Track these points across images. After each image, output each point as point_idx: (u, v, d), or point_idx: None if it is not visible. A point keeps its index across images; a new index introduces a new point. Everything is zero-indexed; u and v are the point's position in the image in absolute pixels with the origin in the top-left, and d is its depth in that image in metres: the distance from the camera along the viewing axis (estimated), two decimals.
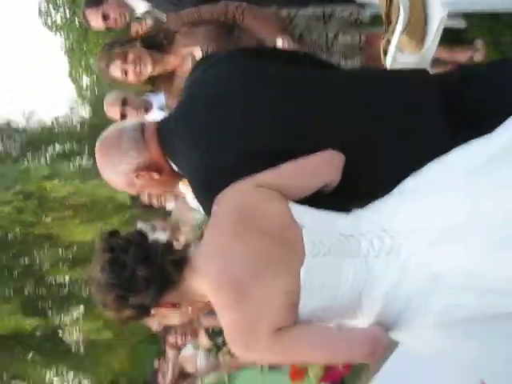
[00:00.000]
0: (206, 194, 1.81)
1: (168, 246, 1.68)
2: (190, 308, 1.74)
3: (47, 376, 12.60)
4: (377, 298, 1.62)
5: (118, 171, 1.90)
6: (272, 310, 1.58)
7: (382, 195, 1.74)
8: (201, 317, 5.44)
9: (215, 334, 5.53)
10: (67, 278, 11.50)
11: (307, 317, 1.62)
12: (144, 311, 1.63)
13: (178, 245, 1.66)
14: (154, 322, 6.25)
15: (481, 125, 1.75)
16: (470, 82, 1.91)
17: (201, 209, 2.05)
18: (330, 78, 1.98)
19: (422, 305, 1.60)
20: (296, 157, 1.75)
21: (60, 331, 11.89)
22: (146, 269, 1.59)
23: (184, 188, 3.87)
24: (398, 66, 2.58)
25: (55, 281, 11.69)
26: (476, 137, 1.70)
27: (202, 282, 1.64)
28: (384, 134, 1.82)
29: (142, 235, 1.68)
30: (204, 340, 5.64)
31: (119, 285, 1.59)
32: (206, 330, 5.55)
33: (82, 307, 12.04)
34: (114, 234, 1.66)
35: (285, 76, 1.93)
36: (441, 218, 1.61)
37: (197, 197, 1.91)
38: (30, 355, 11.54)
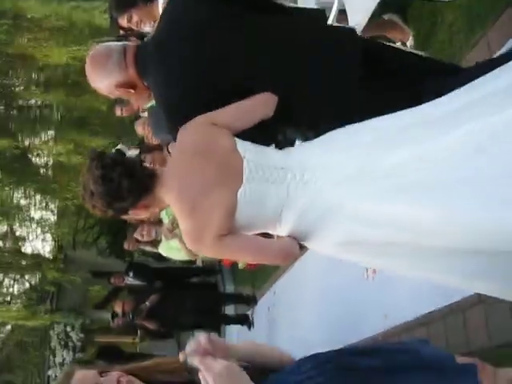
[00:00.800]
0: (170, 120, 2.55)
1: (141, 162, 2.50)
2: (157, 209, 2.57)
3: (15, 196, 12.78)
4: (293, 216, 2.26)
5: (102, 83, 2.63)
6: (215, 219, 2.24)
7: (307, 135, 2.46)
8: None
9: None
10: (39, 100, 11.49)
11: (240, 226, 2.29)
12: (124, 212, 2.41)
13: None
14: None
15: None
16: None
17: None
18: (278, 27, 2.54)
19: (326, 225, 2.24)
20: (242, 93, 2.39)
21: (30, 154, 11.96)
22: (128, 182, 2.30)
23: None
24: None
25: (27, 103, 11.66)
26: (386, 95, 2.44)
27: (166, 193, 2.34)
28: (313, 83, 2.47)
29: (122, 154, 2.42)
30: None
31: (108, 194, 2.30)
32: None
33: (52, 131, 12.14)
34: (102, 154, 2.37)
35: (243, 21, 2.54)
36: (345, 164, 2.22)
37: (166, 120, 2.60)
38: None
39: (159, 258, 10.75)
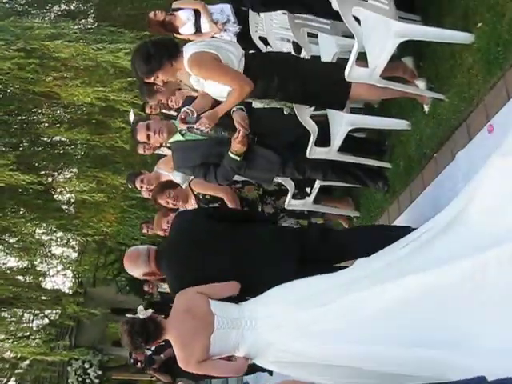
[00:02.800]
0: (175, 290, 3.97)
1: (152, 318, 3.89)
2: None
3: (36, 231, 12.86)
4: (245, 348, 3.65)
5: (134, 272, 4.24)
6: (197, 352, 3.62)
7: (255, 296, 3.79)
8: (192, 183, 5.83)
9: (205, 200, 5.97)
10: (64, 138, 11.61)
11: (213, 354, 3.67)
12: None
13: None
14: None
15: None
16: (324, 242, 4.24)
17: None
18: (238, 236, 4.17)
19: (263, 353, 3.68)
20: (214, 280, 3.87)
21: (52, 190, 12.07)
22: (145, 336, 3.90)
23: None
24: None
25: (51, 140, 11.80)
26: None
27: (169, 336, 3.79)
28: (260, 269, 3.98)
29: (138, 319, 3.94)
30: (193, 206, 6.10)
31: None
32: (196, 197, 5.99)
33: (76, 168, 12.23)
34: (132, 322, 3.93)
35: (228, 244, 4.14)
36: (277, 315, 3.59)
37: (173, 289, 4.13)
38: (22, 211, 11.87)
39: None
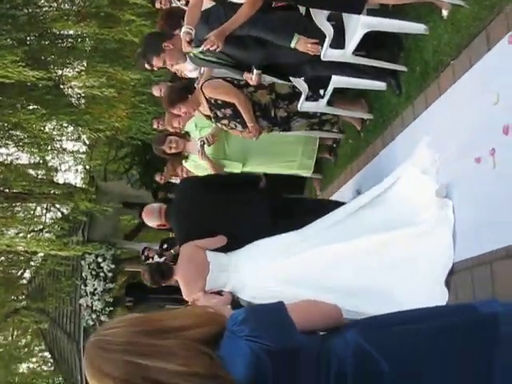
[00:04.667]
0: (182, 240, 5.39)
1: (165, 263, 5.78)
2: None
3: (47, 127, 12.92)
4: (230, 286, 5.04)
5: (150, 223, 5.85)
6: (197, 288, 5.03)
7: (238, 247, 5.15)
8: (203, 87, 5.86)
9: (217, 105, 6.02)
10: (72, 31, 11.50)
11: (208, 289, 5.04)
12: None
13: None
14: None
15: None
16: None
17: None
18: (226, 203, 5.44)
19: (243, 289, 5.06)
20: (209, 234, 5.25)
21: (62, 85, 12.04)
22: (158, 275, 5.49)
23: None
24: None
25: (59, 34, 11.68)
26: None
27: (177, 277, 5.28)
28: (241, 226, 5.26)
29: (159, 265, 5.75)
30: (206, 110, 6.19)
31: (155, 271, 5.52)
32: (208, 100, 6.03)
33: (85, 62, 12.16)
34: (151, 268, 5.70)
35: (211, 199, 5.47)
36: (255, 263, 4.99)
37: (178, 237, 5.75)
38: (32, 106, 11.89)
39: None
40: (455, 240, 4.12)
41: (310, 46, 4.85)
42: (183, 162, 7.24)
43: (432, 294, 4.10)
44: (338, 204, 5.38)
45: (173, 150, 6.70)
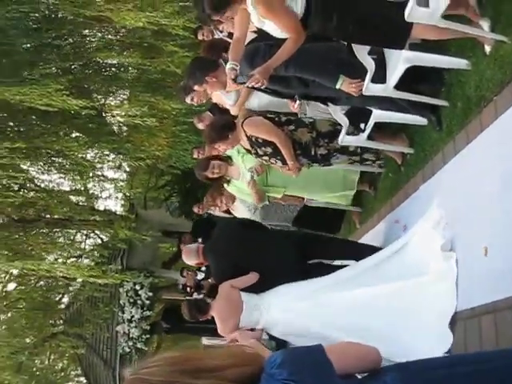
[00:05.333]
0: (218, 278, 6.02)
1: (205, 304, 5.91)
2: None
3: (89, 155, 13.08)
4: (262, 323, 5.48)
5: (189, 262, 6.64)
6: (230, 326, 5.51)
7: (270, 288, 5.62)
8: (244, 124, 5.93)
9: (257, 143, 6.13)
10: (115, 61, 11.67)
11: (241, 326, 5.51)
12: None
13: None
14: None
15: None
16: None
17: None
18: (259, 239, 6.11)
19: (276, 327, 5.61)
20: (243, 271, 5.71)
21: (105, 114, 12.21)
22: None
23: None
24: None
25: (103, 63, 11.87)
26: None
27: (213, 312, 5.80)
28: (269, 265, 5.79)
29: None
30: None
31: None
32: (249, 138, 6.15)
33: (127, 92, 12.32)
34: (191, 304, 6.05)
35: (246, 239, 6.04)
36: (284, 304, 5.50)
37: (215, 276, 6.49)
38: (75, 134, 12.07)
39: None
40: (458, 290, 4.60)
41: (354, 86, 4.88)
42: (225, 185, 7.23)
43: (436, 340, 4.61)
44: (364, 247, 6.22)
45: (215, 175, 6.70)
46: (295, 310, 5.44)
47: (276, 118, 6.00)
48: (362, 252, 5.80)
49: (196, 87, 5.83)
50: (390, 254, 5.37)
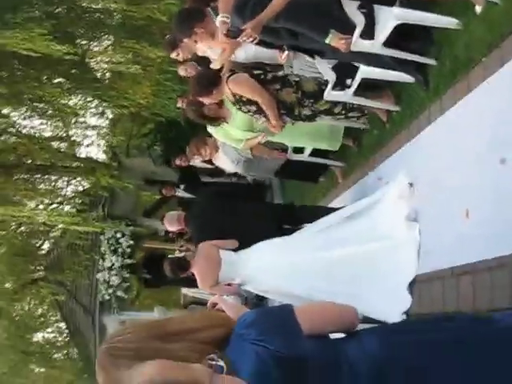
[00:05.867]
0: (198, 238, 6.46)
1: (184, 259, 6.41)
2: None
3: (72, 101, 12.96)
4: (239, 278, 5.92)
5: (171, 228, 7.51)
6: (209, 282, 6.02)
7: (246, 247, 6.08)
8: (229, 81, 5.90)
9: (241, 101, 6.08)
10: (100, 6, 11.50)
11: (220, 281, 6.00)
12: None
13: None
14: None
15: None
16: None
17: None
18: (236, 211, 6.61)
19: (252, 282, 6.00)
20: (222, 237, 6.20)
21: (88, 60, 12.06)
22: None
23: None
24: None
25: (87, 8, 11.69)
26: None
27: (194, 270, 6.20)
28: (249, 232, 6.24)
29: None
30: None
31: None
32: (233, 95, 6.11)
33: (112, 37, 12.16)
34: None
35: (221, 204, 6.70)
36: (259, 261, 5.95)
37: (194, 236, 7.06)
38: (58, 80, 11.94)
39: (211, 174, 10.94)
40: (419, 256, 4.95)
41: (343, 42, 4.82)
42: (211, 129, 7.10)
43: (397, 299, 4.98)
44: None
45: (211, 113, 6.52)
46: (268, 268, 5.83)
47: (262, 76, 5.94)
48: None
49: (185, 40, 5.74)
50: (356, 211, 5.68)
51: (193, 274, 6.11)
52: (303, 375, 1.88)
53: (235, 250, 6.06)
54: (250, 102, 5.97)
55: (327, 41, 4.82)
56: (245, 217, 6.52)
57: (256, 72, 5.99)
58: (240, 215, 6.52)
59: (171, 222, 7.11)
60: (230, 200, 6.87)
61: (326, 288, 5.34)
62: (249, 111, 6.07)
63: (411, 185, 5.24)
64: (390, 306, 4.93)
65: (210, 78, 6.12)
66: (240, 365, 1.85)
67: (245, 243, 6.09)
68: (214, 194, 7.26)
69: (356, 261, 5.37)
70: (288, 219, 6.68)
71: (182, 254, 6.65)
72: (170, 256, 6.80)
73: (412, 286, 4.95)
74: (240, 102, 5.99)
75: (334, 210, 6.33)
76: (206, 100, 6.10)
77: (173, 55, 6.81)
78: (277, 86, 5.91)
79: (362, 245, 5.38)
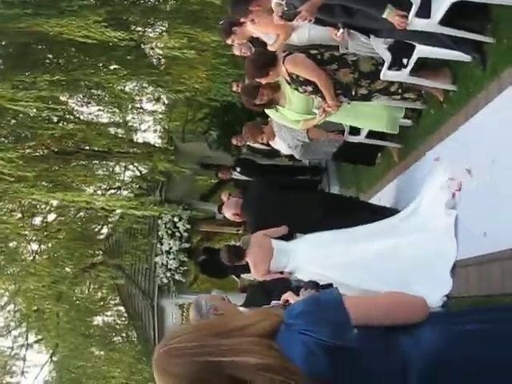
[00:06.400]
0: (252, 227, 7.15)
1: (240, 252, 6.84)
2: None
3: (128, 88, 13.12)
4: (289, 268, 6.38)
5: (227, 213, 7.68)
6: (262, 270, 6.46)
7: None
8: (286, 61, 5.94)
9: (298, 81, 5.99)
10: None
11: (271, 270, 6.45)
12: None
13: None
14: None
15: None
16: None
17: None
18: (289, 201, 6.99)
19: (302, 271, 6.38)
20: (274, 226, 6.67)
21: (143, 46, 12.18)
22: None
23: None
24: None
25: None
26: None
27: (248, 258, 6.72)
28: (298, 220, 6.79)
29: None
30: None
31: None
32: (289, 74, 6.07)
33: (167, 23, 12.25)
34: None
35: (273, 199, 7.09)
36: (310, 252, 6.31)
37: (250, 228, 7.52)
38: (114, 66, 12.09)
39: (267, 154, 10.99)
40: (459, 242, 5.33)
41: (398, 18, 4.80)
42: (268, 111, 7.17)
43: (438, 284, 5.28)
44: (376, 207, 7.24)
45: (263, 101, 6.63)
46: (318, 258, 6.18)
47: (319, 56, 5.95)
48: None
49: (242, 19, 5.80)
50: (406, 215, 6.16)
51: (247, 263, 6.55)
52: (354, 364, 1.92)
53: (287, 239, 6.58)
54: (306, 81, 5.98)
55: (384, 15, 4.80)
56: (294, 205, 6.87)
57: (312, 52, 6.00)
58: (290, 204, 6.90)
59: (229, 206, 7.55)
60: (283, 190, 7.24)
61: (375, 277, 5.68)
62: (305, 91, 6.09)
63: (469, 171, 5.30)
64: (432, 290, 5.11)
65: (266, 58, 6.12)
66: (289, 352, 1.89)
67: (296, 229, 6.81)
68: (268, 184, 7.55)
69: (401, 251, 5.74)
70: (334, 210, 6.86)
71: (239, 243, 6.95)
72: (227, 244, 7.18)
73: (453, 270, 5.29)
74: (296, 81, 6.02)
75: (383, 208, 7.07)
76: (262, 80, 6.12)
77: (228, 41, 6.85)
78: (334, 66, 5.92)
79: (407, 236, 5.83)
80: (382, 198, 8.28)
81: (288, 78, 6.05)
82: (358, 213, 6.77)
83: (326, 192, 9.60)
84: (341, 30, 5.74)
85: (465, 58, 5.38)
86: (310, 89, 6.04)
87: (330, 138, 7.69)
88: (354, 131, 7.53)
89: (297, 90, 6.14)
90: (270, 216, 6.82)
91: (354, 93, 6.05)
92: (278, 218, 6.69)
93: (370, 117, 6.80)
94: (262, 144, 9.35)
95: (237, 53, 8.18)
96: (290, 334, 1.94)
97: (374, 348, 1.96)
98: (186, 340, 1.88)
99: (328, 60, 5.93)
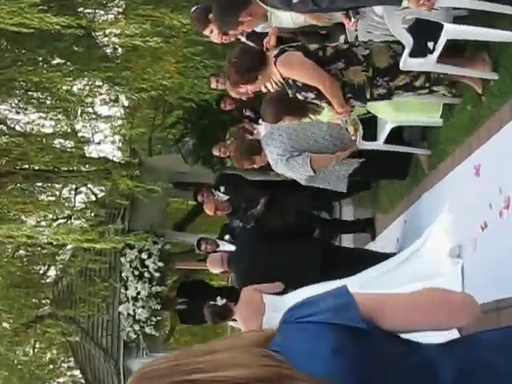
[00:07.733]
0: (239, 283, 8.13)
1: None
2: None
3: (76, 88, 13.15)
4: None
5: (213, 270, 9.13)
6: (253, 328, 6.62)
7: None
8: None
9: (296, 87, 6.04)
10: None
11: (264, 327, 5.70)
12: None
13: None
14: None
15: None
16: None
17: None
18: (279, 253, 7.98)
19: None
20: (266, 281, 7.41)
21: (95, 34, 12.19)
22: None
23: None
24: None
25: None
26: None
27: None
28: (293, 273, 7.64)
29: None
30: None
31: None
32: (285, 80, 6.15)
33: (123, 4, 12.31)
34: None
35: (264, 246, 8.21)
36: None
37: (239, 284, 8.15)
38: (57, 61, 12.13)
39: (259, 168, 11.00)
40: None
41: (423, 2, 4.80)
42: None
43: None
44: (382, 255, 7.86)
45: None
46: None
47: (320, 53, 5.92)
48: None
49: (231, 32, 5.90)
50: (407, 256, 7.07)
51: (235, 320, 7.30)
52: (365, 344, 2.00)
53: (281, 293, 7.26)
54: (306, 87, 5.92)
55: (404, 4, 4.83)
56: (289, 258, 7.86)
57: (312, 48, 5.97)
58: (284, 257, 7.88)
59: (214, 264, 8.62)
60: (273, 240, 8.25)
61: None
62: (306, 98, 6.07)
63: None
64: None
65: (252, 63, 5.96)
66: (288, 352, 1.96)
67: (291, 285, 7.34)
68: (257, 235, 8.81)
69: None
70: (333, 261, 7.79)
71: (224, 301, 7.58)
72: (210, 303, 7.73)
73: None
74: (294, 87, 5.96)
75: (378, 254, 8.14)
76: (249, 88, 6.10)
77: (206, 32, 6.87)
78: (340, 64, 5.90)
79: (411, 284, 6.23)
80: (408, 220, 8.33)
81: (283, 82, 6.02)
82: (362, 265, 7.40)
83: (325, 242, 9.89)
84: (353, 20, 5.81)
85: (508, 37, 5.42)
86: (311, 95, 5.96)
87: (341, 160, 7.78)
88: (369, 136, 7.57)
89: (295, 96, 6.10)
90: (261, 272, 7.68)
91: (368, 95, 6.02)
92: (269, 273, 7.51)
93: (415, 103, 6.81)
94: None
95: (216, 40, 8.22)
96: (285, 333, 2.10)
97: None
98: (160, 363, 1.94)
99: (332, 57, 5.89)
